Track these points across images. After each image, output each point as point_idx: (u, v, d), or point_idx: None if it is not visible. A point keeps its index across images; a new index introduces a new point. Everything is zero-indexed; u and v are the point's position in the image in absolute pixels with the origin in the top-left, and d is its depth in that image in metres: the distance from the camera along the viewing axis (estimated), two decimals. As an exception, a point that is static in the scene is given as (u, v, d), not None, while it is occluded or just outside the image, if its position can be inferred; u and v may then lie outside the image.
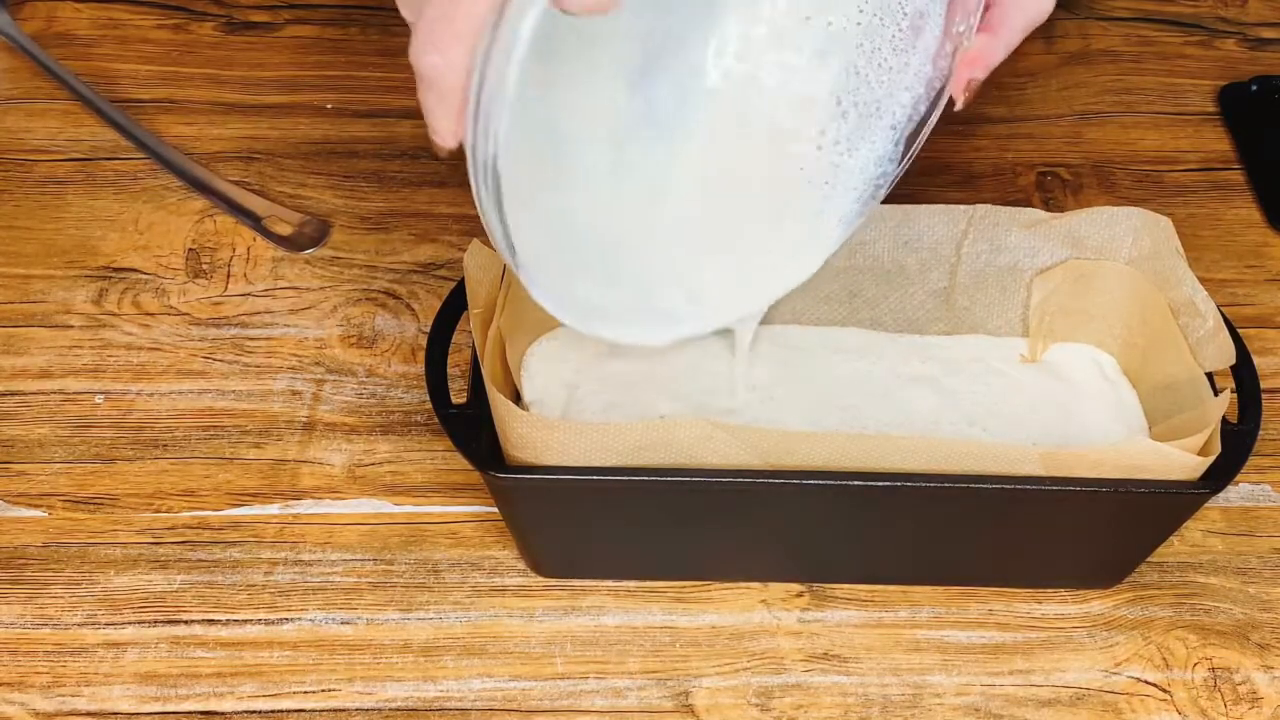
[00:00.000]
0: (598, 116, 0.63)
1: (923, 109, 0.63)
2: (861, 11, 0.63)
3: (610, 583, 0.68)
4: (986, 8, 0.61)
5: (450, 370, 0.65)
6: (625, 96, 0.64)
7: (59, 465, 0.71)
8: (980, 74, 0.62)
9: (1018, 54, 0.63)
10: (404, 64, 0.59)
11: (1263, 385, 0.66)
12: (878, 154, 0.64)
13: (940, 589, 0.68)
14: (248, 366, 0.75)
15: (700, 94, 0.65)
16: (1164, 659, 0.66)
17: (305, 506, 0.70)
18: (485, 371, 0.61)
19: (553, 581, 0.68)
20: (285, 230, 0.82)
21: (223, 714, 0.63)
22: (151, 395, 0.74)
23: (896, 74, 0.63)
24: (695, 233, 0.66)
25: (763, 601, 0.68)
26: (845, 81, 0.64)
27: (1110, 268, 0.70)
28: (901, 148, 0.64)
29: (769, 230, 0.66)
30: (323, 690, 0.64)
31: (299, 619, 0.66)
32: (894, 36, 0.63)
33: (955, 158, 0.87)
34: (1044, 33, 0.94)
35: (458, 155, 0.57)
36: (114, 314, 0.77)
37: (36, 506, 0.70)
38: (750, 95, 0.65)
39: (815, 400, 0.69)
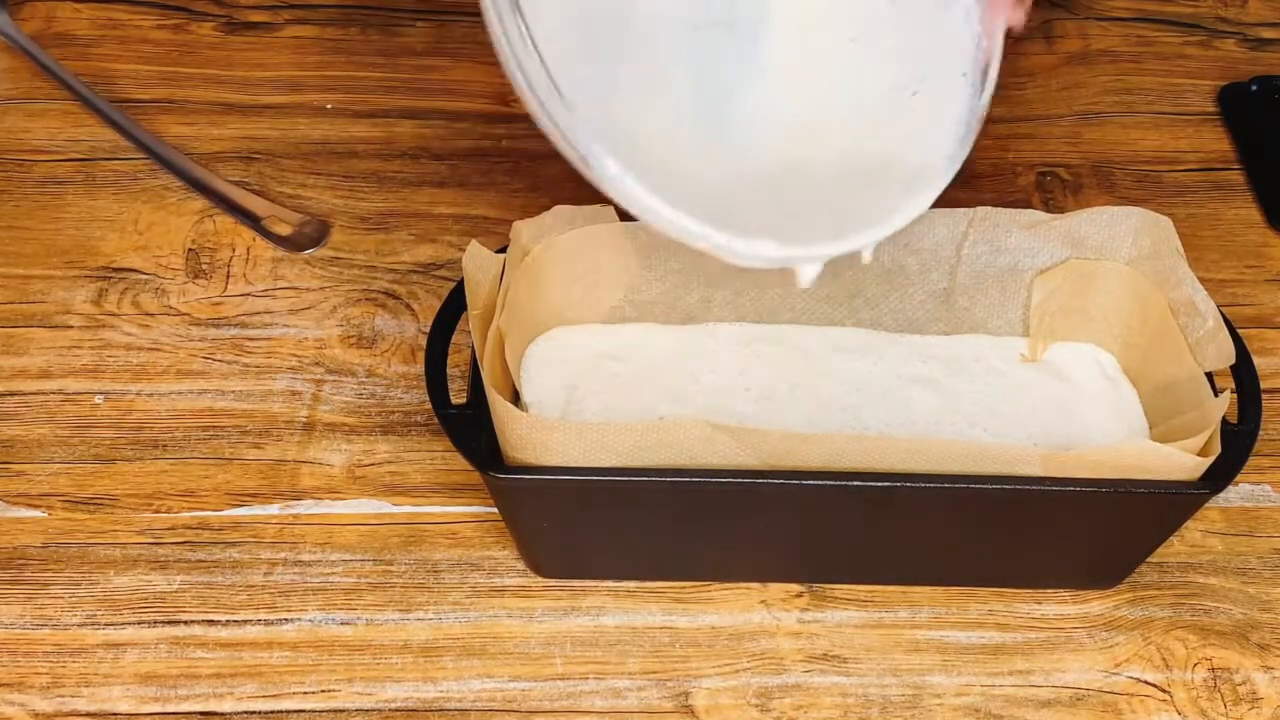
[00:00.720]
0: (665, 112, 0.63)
1: (984, 42, 0.62)
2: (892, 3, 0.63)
3: (610, 583, 0.68)
4: None
5: (450, 370, 0.65)
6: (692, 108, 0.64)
7: (59, 465, 0.71)
8: None
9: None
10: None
11: (1263, 385, 0.66)
12: (959, 104, 0.63)
13: (940, 589, 0.68)
14: (247, 367, 0.75)
15: (779, 122, 0.64)
16: (1164, 659, 0.66)
17: (305, 507, 0.70)
18: (484, 372, 0.61)
19: (552, 582, 0.68)
20: (285, 230, 0.81)
21: (222, 714, 0.63)
22: (151, 395, 0.74)
23: (948, 30, 0.63)
24: (792, 179, 0.64)
25: (762, 602, 0.68)
26: (905, 69, 0.64)
27: (1110, 268, 0.70)
28: (978, 86, 0.63)
29: (873, 182, 0.64)
30: (322, 691, 0.64)
31: (299, 619, 0.66)
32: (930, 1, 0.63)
33: (955, 158, 0.87)
34: (1044, 33, 0.94)
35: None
36: (114, 314, 0.77)
37: (36, 506, 0.70)
38: (824, 120, 0.65)
39: (816, 400, 0.69)
